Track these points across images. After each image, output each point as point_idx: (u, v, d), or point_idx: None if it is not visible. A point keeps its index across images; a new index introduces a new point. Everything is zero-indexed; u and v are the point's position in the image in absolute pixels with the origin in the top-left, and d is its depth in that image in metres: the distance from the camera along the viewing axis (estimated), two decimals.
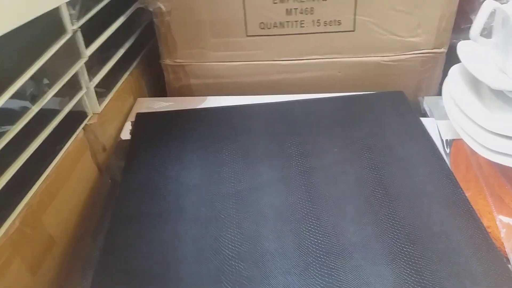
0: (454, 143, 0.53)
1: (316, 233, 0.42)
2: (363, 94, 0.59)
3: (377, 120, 0.55)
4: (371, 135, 0.53)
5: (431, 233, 0.41)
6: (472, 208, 0.43)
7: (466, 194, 0.47)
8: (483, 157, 0.45)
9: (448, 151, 0.53)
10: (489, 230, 0.43)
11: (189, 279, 0.39)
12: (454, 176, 0.47)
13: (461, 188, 0.46)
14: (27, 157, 0.39)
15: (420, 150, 0.50)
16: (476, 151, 0.45)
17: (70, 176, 0.46)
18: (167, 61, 0.62)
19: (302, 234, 0.42)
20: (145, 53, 0.67)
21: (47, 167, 0.42)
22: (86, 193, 0.49)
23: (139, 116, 0.59)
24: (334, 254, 0.40)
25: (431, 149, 0.51)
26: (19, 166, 0.38)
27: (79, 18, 0.48)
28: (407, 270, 0.38)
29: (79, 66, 0.47)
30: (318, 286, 0.37)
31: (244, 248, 0.41)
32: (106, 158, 0.53)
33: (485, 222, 0.44)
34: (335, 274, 0.38)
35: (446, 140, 0.53)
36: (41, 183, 0.41)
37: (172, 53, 0.61)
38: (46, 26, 0.43)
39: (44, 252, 0.41)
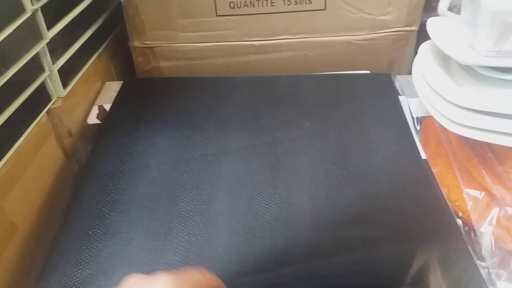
0: (424, 120, 0.53)
1: (269, 199, 0.43)
2: (348, 73, 0.59)
3: (356, 100, 0.55)
4: (347, 113, 0.53)
5: (385, 208, 0.42)
6: (437, 185, 0.44)
7: (436, 169, 0.47)
8: (453, 133, 0.45)
9: (418, 128, 0.53)
10: (456, 203, 0.43)
11: (140, 233, 0.40)
12: (420, 158, 0.47)
13: (424, 169, 0.45)
14: None
15: (391, 132, 0.50)
16: (445, 126, 0.45)
17: (33, 161, 0.45)
18: (135, 43, 0.61)
19: (256, 199, 0.43)
20: (115, 35, 0.66)
21: (7, 151, 0.41)
22: (52, 179, 0.48)
23: (126, 81, 0.60)
24: (281, 220, 0.41)
25: (403, 131, 0.50)
26: None
27: None
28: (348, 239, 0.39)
29: (40, 47, 0.46)
30: (259, 248, 0.38)
31: (196, 208, 0.42)
32: (72, 143, 0.52)
33: (453, 196, 0.44)
34: (279, 238, 0.39)
35: (417, 118, 0.53)
36: (1, 168, 0.40)
37: (141, 34, 0.60)
38: (4, 5, 0.41)
39: (6, 238, 0.40)
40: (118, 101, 0.57)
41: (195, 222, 0.41)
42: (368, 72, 0.59)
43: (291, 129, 0.51)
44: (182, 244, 0.39)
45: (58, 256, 0.39)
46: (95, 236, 0.40)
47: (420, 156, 0.48)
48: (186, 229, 0.40)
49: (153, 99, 0.56)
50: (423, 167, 0.46)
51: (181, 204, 0.43)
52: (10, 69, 0.41)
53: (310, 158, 0.47)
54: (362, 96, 0.55)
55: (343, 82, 0.58)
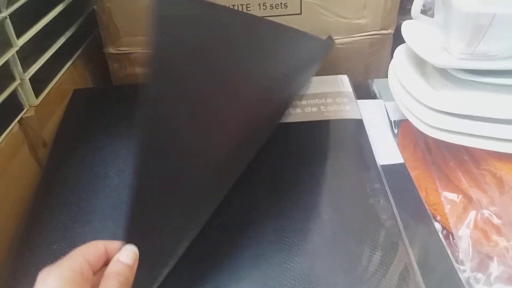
0: (402, 124, 0.53)
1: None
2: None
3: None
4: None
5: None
6: (386, 193, 0.43)
7: (413, 173, 0.47)
8: (430, 136, 0.45)
9: (396, 131, 0.53)
10: (434, 207, 0.43)
11: None
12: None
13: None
14: None
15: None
16: (421, 129, 0.45)
17: (5, 172, 0.44)
18: (110, 50, 0.60)
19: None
20: (90, 42, 0.65)
21: None
22: (26, 189, 0.47)
23: (76, 91, 0.59)
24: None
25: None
26: None
27: (8, 5, 0.45)
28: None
29: (9, 55, 0.45)
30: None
31: None
32: (47, 153, 0.50)
33: (431, 200, 0.44)
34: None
35: (394, 121, 0.54)
36: None
37: (115, 40, 0.59)
38: None
39: None
40: (69, 111, 0.56)
41: None
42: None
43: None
44: None
45: (21, 275, 0.38)
46: (60, 250, 0.39)
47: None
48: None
49: (105, 108, 0.55)
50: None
51: None
52: None
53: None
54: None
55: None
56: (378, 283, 0.36)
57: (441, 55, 0.46)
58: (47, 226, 0.41)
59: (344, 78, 0.58)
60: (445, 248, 0.40)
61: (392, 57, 0.56)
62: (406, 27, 0.50)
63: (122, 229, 0.40)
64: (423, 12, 0.49)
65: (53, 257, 0.39)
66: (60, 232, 0.41)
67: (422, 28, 0.50)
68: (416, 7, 0.44)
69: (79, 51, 0.61)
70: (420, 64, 0.50)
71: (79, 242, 0.39)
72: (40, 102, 0.50)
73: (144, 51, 0.59)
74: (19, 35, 0.46)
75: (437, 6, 0.47)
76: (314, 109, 0.53)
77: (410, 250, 0.39)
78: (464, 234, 0.40)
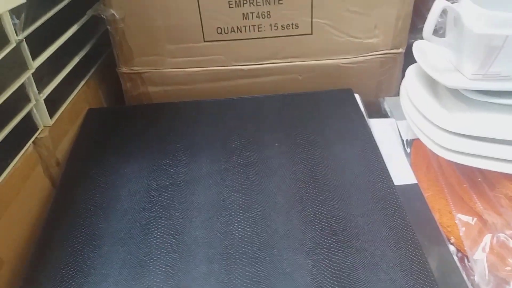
0: (414, 143, 0.53)
1: (244, 223, 0.43)
2: (312, 92, 0.59)
3: (321, 117, 0.55)
4: (314, 131, 0.53)
5: (355, 226, 0.42)
6: (400, 201, 0.44)
7: (427, 194, 0.47)
8: (442, 157, 0.45)
9: (408, 151, 0.52)
10: (449, 229, 0.43)
11: (115, 268, 0.39)
12: (387, 171, 0.48)
13: (392, 182, 0.46)
14: None
15: (358, 147, 0.51)
16: (433, 151, 0.45)
17: (20, 192, 0.44)
18: (123, 69, 0.60)
19: (231, 224, 0.43)
20: (103, 61, 0.65)
21: None
22: (39, 210, 0.47)
23: (90, 111, 0.59)
24: (258, 244, 0.41)
25: (369, 145, 0.51)
26: None
27: (24, 28, 0.46)
28: (326, 261, 0.39)
29: (25, 77, 0.45)
30: (237, 275, 0.38)
31: (171, 238, 0.42)
32: (60, 173, 0.51)
33: (445, 222, 0.44)
34: (256, 263, 0.39)
35: (407, 140, 0.53)
36: None
37: (128, 60, 0.59)
38: None
39: None
40: (83, 132, 0.56)
41: (171, 253, 0.40)
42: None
43: (260, 150, 0.51)
44: (159, 276, 0.39)
45: None
46: (68, 275, 0.39)
47: (386, 167, 0.48)
48: (162, 261, 0.40)
49: (118, 128, 0.56)
50: (389, 178, 0.47)
51: (155, 235, 0.42)
52: None
53: (282, 178, 0.47)
54: (326, 113, 0.56)
55: (307, 100, 0.58)
56: None
57: (453, 75, 0.46)
58: (57, 250, 0.41)
59: (356, 97, 0.58)
60: (460, 272, 0.40)
61: (403, 75, 0.56)
62: (418, 47, 0.50)
63: (131, 254, 0.40)
64: (434, 31, 0.49)
65: (62, 281, 0.39)
66: (69, 256, 0.41)
67: (434, 48, 0.50)
68: (428, 29, 0.44)
69: (92, 70, 0.62)
70: (432, 84, 0.50)
71: (88, 267, 0.39)
72: (54, 122, 0.51)
73: (156, 70, 0.60)
74: (34, 57, 0.47)
75: (449, 26, 0.47)
76: None
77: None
78: (479, 258, 0.40)
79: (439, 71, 0.47)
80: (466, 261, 0.41)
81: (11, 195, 0.43)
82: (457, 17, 0.44)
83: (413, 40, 0.58)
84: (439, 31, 0.53)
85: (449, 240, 0.43)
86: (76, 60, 0.57)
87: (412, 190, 0.47)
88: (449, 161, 0.45)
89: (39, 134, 0.49)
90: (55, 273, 0.39)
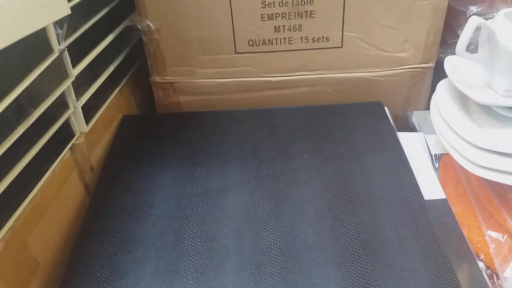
0: (443, 158, 0.53)
1: (273, 233, 0.43)
2: (342, 104, 0.60)
3: (351, 129, 0.56)
4: (343, 143, 0.54)
5: (384, 239, 0.42)
6: (430, 216, 0.44)
7: (456, 209, 0.47)
8: (471, 172, 0.45)
9: (437, 165, 0.53)
10: (478, 245, 0.43)
11: (148, 273, 0.40)
12: (417, 185, 0.48)
13: (423, 197, 0.46)
14: (12, 178, 0.39)
15: (388, 160, 0.51)
16: (464, 166, 0.45)
17: (57, 197, 0.46)
18: (156, 79, 0.62)
19: (260, 233, 0.43)
20: (135, 70, 0.67)
21: (32, 188, 0.42)
22: (73, 215, 0.49)
23: (125, 118, 0.61)
24: (287, 254, 0.41)
25: (399, 159, 0.51)
26: (4, 188, 0.37)
27: (66, 37, 0.48)
28: (354, 274, 0.39)
29: (65, 86, 0.47)
30: (266, 284, 0.39)
31: (202, 245, 0.43)
32: (93, 179, 0.53)
33: (474, 238, 0.43)
34: (285, 273, 0.40)
35: (435, 155, 0.53)
36: (26, 205, 0.41)
37: (161, 70, 0.61)
38: (33, 46, 0.42)
39: (29, 275, 0.40)
40: (118, 138, 0.58)
41: (202, 259, 0.41)
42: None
43: (290, 160, 0.52)
44: (190, 282, 0.39)
45: None
46: (103, 278, 0.40)
47: (416, 182, 0.48)
48: (193, 267, 0.41)
49: (152, 135, 0.57)
50: (419, 193, 0.47)
51: (187, 241, 0.43)
52: (38, 109, 0.43)
53: (311, 189, 0.48)
54: (356, 125, 0.56)
55: (337, 112, 0.59)
56: None
57: (485, 92, 0.47)
58: (92, 253, 0.43)
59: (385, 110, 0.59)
60: None
61: (432, 90, 0.57)
62: (449, 63, 0.50)
63: (163, 260, 0.42)
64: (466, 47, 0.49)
65: (97, 284, 0.40)
66: (104, 259, 0.42)
67: (465, 64, 0.50)
68: (461, 45, 0.44)
69: (126, 79, 0.64)
70: (463, 99, 0.50)
71: (122, 271, 0.41)
72: (90, 128, 0.53)
73: (188, 80, 0.62)
74: (74, 65, 0.49)
75: (482, 42, 0.48)
76: None
77: None
78: (510, 276, 0.39)
79: (471, 87, 0.47)
80: (495, 278, 0.41)
81: (49, 200, 0.44)
82: (491, 34, 0.44)
83: (443, 55, 0.59)
84: (469, 47, 0.53)
85: (478, 256, 0.43)
86: (111, 68, 0.59)
87: (440, 205, 0.47)
88: (478, 177, 0.45)
89: (75, 140, 0.50)
90: (90, 276, 0.41)
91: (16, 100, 0.39)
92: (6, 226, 0.38)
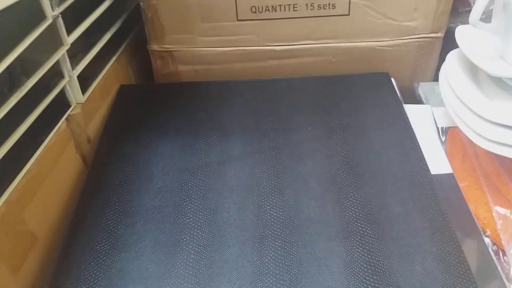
0: (450, 131, 0.51)
1: (276, 207, 0.42)
2: (348, 74, 0.58)
3: (357, 101, 0.54)
4: (348, 115, 0.52)
5: (390, 214, 0.41)
6: (437, 191, 0.43)
7: (462, 184, 0.46)
8: (480, 147, 0.44)
9: (443, 138, 0.51)
10: (485, 221, 0.42)
11: (148, 246, 0.40)
12: (424, 160, 0.46)
13: (429, 172, 0.45)
14: (6, 151, 0.37)
15: (394, 133, 0.50)
16: (473, 140, 0.43)
17: (53, 169, 0.44)
18: (154, 47, 0.60)
19: (263, 207, 0.43)
20: (132, 38, 0.65)
21: (28, 161, 0.41)
22: (71, 187, 0.47)
23: (122, 88, 0.59)
24: (290, 228, 0.41)
25: (406, 132, 0.50)
26: None
27: (60, 3, 0.46)
28: (359, 249, 0.39)
29: (60, 54, 0.45)
30: (269, 258, 0.38)
31: (203, 218, 0.42)
32: (91, 150, 0.51)
33: (481, 213, 0.43)
34: (288, 247, 0.39)
35: (442, 128, 0.52)
36: (21, 178, 0.39)
37: (159, 38, 0.59)
38: (25, 13, 0.40)
39: (26, 250, 0.39)
40: (115, 108, 0.56)
41: (204, 232, 0.41)
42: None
43: (293, 133, 0.50)
44: (192, 256, 0.39)
45: (66, 273, 0.38)
46: (102, 251, 0.40)
47: (423, 156, 0.47)
48: (195, 241, 0.40)
49: (150, 105, 0.56)
50: (426, 167, 0.45)
51: (188, 214, 0.42)
52: (31, 79, 0.41)
53: (315, 162, 0.47)
54: (361, 96, 0.55)
55: (342, 83, 0.57)
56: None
57: (497, 63, 0.45)
58: (91, 226, 0.42)
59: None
60: (496, 265, 0.39)
61: (440, 61, 0.55)
62: (460, 33, 0.48)
63: (164, 233, 0.41)
64: None
65: (96, 258, 0.39)
66: (103, 233, 0.41)
67: (477, 34, 0.48)
68: (475, 14, 0.42)
69: (123, 47, 0.62)
70: (473, 71, 0.48)
71: (122, 244, 0.40)
72: (86, 98, 0.51)
73: (187, 48, 0.59)
74: (69, 32, 0.47)
75: (496, 11, 0.45)
76: None
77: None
78: None
79: (482, 58, 0.45)
80: (501, 254, 0.40)
81: (45, 172, 0.43)
82: (507, 3, 0.42)
83: (452, 25, 0.56)
84: (481, 17, 0.51)
85: (484, 232, 0.42)
86: (108, 36, 0.56)
87: (447, 180, 0.46)
88: (486, 151, 0.44)
89: (71, 111, 0.49)
90: (89, 250, 0.40)
91: (7, 69, 0.37)
92: (1, 200, 0.37)
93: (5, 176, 0.38)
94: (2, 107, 0.37)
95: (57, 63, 0.46)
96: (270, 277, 0.37)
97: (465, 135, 0.45)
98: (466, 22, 0.48)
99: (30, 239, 0.40)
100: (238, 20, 0.56)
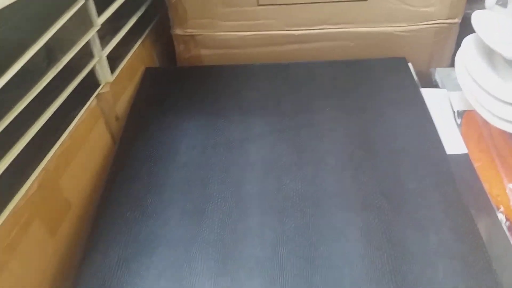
0: (466, 114, 0.53)
1: (296, 181, 0.44)
2: (366, 59, 0.60)
3: (374, 84, 0.56)
4: (366, 97, 0.54)
5: (405, 190, 0.43)
6: (451, 169, 0.44)
7: (477, 164, 0.47)
8: (495, 127, 0.45)
9: (459, 122, 0.52)
10: (498, 198, 0.43)
11: (176, 214, 0.42)
12: (439, 139, 0.48)
13: (445, 151, 0.47)
14: (43, 122, 0.40)
15: (411, 114, 0.51)
16: (489, 121, 0.45)
17: (84, 143, 0.47)
18: (177, 31, 0.62)
19: (283, 181, 0.45)
20: (156, 23, 0.67)
21: (62, 133, 0.43)
22: (101, 160, 0.50)
23: (147, 70, 0.61)
24: (309, 200, 0.43)
25: (422, 114, 0.51)
26: (36, 131, 0.39)
27: None
28: (376, 220, 0.40)
29: (91, 34, 0.48)
30: (289, 227, 0.40)
31: (227, 190, 0.44)
32: (119, 128, 0.54)
33: (495, 191, 0.44)
34: (307, 218, 0.41)
35: (458, 111, 0.53)
36: (57, 148, 0.42)
37: (182, 22, 0.61)
38: None
39: (62, 215, 0.42)
40: (141, 89, 0.58)
41: (227, 203, 0.43)
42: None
43: (312, 113, 0.52)
44: (216, 223, 0.41)
45: (98, 237, 0.41)
46: (132, 218, 0.42)
47: (439, 136, 0.48)
48: (219, 210, 0.42)
49: (175, 87, 0.58)
50: (442, 147, 0.47)
51: (213, 187, 0.44)
52: (65, 56, 0.43)
53: (333, 141, 0.49)
54: (379, 80, 0.56)
55: (360, 68, 0.58)
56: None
57: None
58: (121, 196, 0.44)
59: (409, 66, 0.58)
60: (509, 240, 0.40)
61: (456, 46, 0.56)
62: (477, 17, 0.49)
63: (190, 203, 0.43)
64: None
65: (126, 224, 0.42)
66: (133, 201, 0.44)
67: (494, 18, 0.49)
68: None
69: (148, 31, 0.64)
70: (489, 55, 0.49)
71: (151, 212, 0.42)
72: (114, 78, 0.53)
73: (209, 33, 0.61)
74: (99, 15, 0.49)
75: None
76: None
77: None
78: None
79: (499, 42, 0.46)
80: None
81: (78, 145, 0.46)
82: None
83: (469, 11, 0.57)
84: (498, 2, 0.52)
85: (498, 209, 0.43)
86: (134, 19, 0.59)
87: (462, 160, 0.48)
88: (501, 131, 0.45)
89: (101, 89, 0.51)
90: (120, 216, 0.42)
91: (45, 46, 0.39)
92: (39, 167, 0.39)
93: (43, 146, 0.40)
94: (41, 80, 0.39)
95: (88, 43, 0.48)
96: (290, 244, 0.39)
97: (481, 116, 0.47)
98: (482, 8, 0.49)
99: (65, 206, 0.43)
100: (258, 5, 0.58)
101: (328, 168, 0.45)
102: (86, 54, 0.48)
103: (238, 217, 0.41)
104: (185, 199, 0.43)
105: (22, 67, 0.36)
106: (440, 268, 0.37)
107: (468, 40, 0.51)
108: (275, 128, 0.50)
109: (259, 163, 0.47)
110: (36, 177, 0.38)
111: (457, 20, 0.58)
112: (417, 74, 0.58)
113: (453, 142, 0.49)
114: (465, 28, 0.56)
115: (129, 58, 0.58)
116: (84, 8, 0.46)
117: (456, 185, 0.43)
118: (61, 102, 0.43)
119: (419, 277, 0.36)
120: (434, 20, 0.58)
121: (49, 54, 0.41)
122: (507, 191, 0.43)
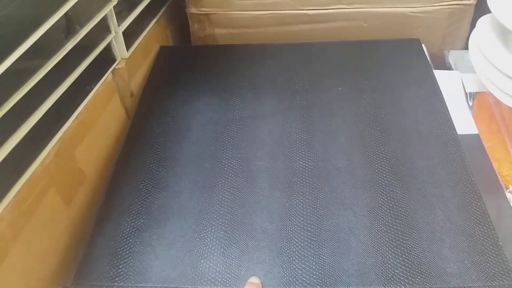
0: (478, 96, 0.53)
1: (305, 157, 0.45)
2: (379, 40, 0.60)
3: (387, 64, 0.56)
4: (378, 77, 0.54)
5: (414, 167, 0.43)
6: (461, 147, 0.45)
7: (488, 145, 0.47)
8: (507, 109, 0.45)
9: (471, 103, 0.52)
10: (507, 178, 0.43)
11: (187, 187, 0.43)
12: (450, 119, 0.48)
13: (455, 130, 0.47)
14: (61, 93, 0.41)
15: (423, 94, 0.51)
16: (502, 100, 0.45)
17: (100, 116, 0.48)
18: (192, 10, 0.62)
19: (293, 157, 0.45)
20: (172, 1, 0.68)
21: (78, 105, 0.44)
22: (116, 134, 0.51)
23: (162, 48, 0.62)
24: (318, 176, 0.43)
25: (434, 94, 0.51)
26: (54, 101, 0.40)
27: None
28: (383, 197, 0.41)
29: (108, 9, 0.48)
30: (298, 201, 0.41)
31: (237, 165, 0.45)
32: (133, 104, 0.55)
33: (504, 171, 0.44)
34: (316, 193, 0.42)
35: (470, 93, 0.53)
36: (73, 120, 0.43)
37: (197, 1, 0.61)
38: None
39: (77, 185, 0.43)
40: (156, 67, 0.59)
41: (238, 177, 0.44)
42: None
43: (323, 92, 0.53)
44: (227, 196, 0.42)
45: (111, 207, 0.42)
46: (145, 190, 0.43)
47: (450, 116, 0.48)
48: (229, 184, 0.43)
49: (188, 65, 0.59)
50: (452, 126, 0.47)
51: (224, 161, 0.45)
52: (84, 28, 0.44)
53: (344, 119, 0.49)
54: (392, 61, 0.56)
55: (373, 48, 0.58)
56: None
57: None
58: (134, 168, 0.46)
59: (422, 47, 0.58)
60: None
61: (471, 28, 0.55)
62: None
63: (201, 176, 0.44)
64: None
65: (139, 195, 0.43)
66: (146, 174, 0.45)
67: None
68: None
69: (163, 9, 0.64)
70: (505, 35, 0.49)
71: (163, 184, 0.43)
72: (129, 55, 0.54)
73: (224, 12, 0.62)
74: None
75: None
76: None
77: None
78: None
79: None
80: None
81: (94, 118, 0.47)
82: None
83: None
84: None
85: (507, 188, 0.43)
86: None
87: (473, 140, 0.48)
88: None
89: (117, 64, 0.52)
90: (133, 188, 0.43)
91: (64, 16, 0.40)
92: (56, 136, 0.40)
93: (60, 116, 0.42)
94: (60, 51, 0.40)
95: (105, 18, 0.49)
96: (298, 217, 0.40)
97: (493, 98, 0.47)
98: None
99: (80, 176, 0.44)
100: None
101: (337, 145, 0.46)
102: (103, 29, 0.49)
103: (247, 191, 0.42)
104: (197, 173, 0.44)
105: (42, 35, 0.37)
106: (446, 244, 0.37)
107: (482, 21, 0.51)
108: (286, 106, 0.51)
109: (270, 140, 0.47)
110: (53, 147, 0.40)
111: (473, 1, 0.58)
112: (430, 56, 0.58)
113: (464, 123, 0.49)
114: (480, 10, 0.55)
115: (144, 36, 0.58)
116: None
117: (465, 163, 0.43)
118: (78, 75, 0.44)
119: (425, 251, 0.37)
120: (449, 1, 0.57)
121: (68, 25, 0.42)
122: None
